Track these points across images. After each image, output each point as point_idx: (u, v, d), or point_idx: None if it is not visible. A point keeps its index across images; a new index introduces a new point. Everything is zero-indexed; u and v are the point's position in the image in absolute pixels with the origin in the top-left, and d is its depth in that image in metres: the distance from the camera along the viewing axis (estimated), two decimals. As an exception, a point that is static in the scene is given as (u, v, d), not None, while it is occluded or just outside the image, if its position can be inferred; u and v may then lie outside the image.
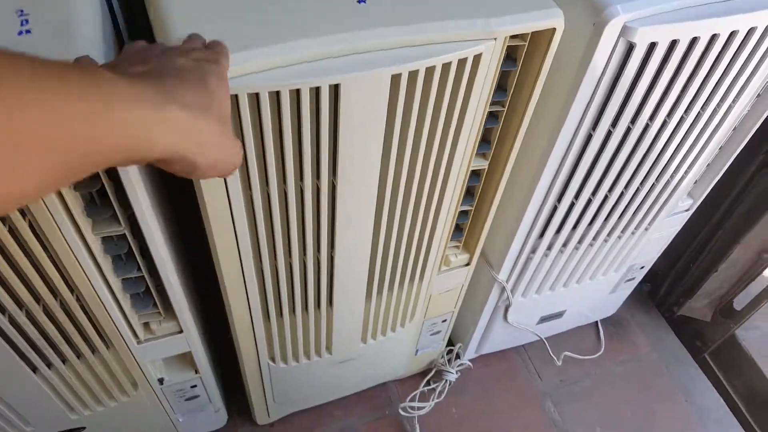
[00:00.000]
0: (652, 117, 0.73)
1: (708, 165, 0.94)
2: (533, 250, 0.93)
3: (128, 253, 0.63)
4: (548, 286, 1.05)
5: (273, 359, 0.90)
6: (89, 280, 0.61)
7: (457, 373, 1.19)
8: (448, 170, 0.68)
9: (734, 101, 0.77)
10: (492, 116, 0.67)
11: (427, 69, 0.53)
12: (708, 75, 0.70)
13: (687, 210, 1.05)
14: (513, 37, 0.57)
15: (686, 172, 0.88)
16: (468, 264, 0.92)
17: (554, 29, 0.58)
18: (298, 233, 0.66)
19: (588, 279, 1.08)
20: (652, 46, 0.63)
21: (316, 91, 0.51)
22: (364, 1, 0.53)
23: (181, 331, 0.77)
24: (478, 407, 1.20)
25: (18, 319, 0.63)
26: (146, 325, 0.75)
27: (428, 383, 1.19)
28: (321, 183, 0.61)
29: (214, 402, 0.98)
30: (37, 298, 0.62)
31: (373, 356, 1.01)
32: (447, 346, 1.18)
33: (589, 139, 0.74)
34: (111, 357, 0.76)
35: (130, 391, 0.84)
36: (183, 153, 0.35)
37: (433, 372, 1.20)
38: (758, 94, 0.80)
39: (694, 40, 0.64)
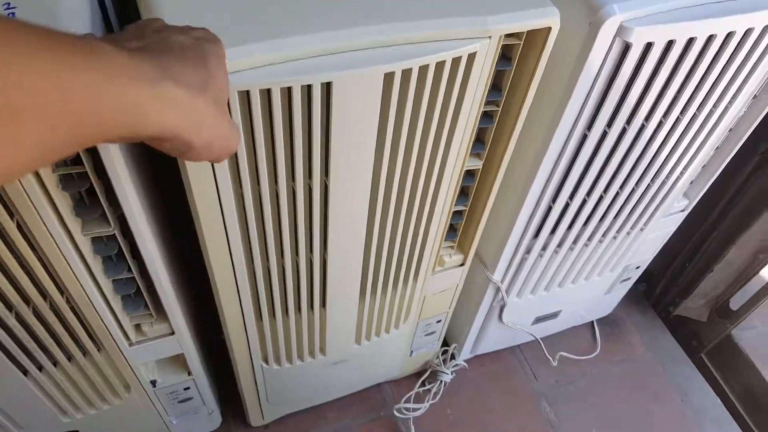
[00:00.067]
0: (647, 117, 0.73)
1: (704, 166, 0.93)
2: (528, 251, 0.93)
3: (118, 253, 0.62)
4: (543, 287, 1.05)
5: (266, 361, 0.89)
6: (79, 282, 0.61)
7: (452, 373, 1.18)
8: (442, 170, 0.67)
9: (730, 102, 0.76)
10: (486, 116, 0.67)
11: (420, 67, 0.53)
12: (704, 76, 0.70)
13: (683, 210, 1.05)
14: (508, 35, 0.57)
15: (682, 173, 0.88)
16: (462, 264, 0.91)
17: (550, 28, 0.57)
18: (290, 233, 0.65)
19: (583, 279, 1.08)
20: (649, 47, 0.63)
21: (308, 89, 0.50)
22: (357, -1, 0.52)
23: (173, 333, 0.76)
24: (473, 408, 1.20)
25: (7, 322, 0.62)
26: (138, 326, 0.75)
27: (423, 384, 1.19)
28: (313, 183, 0.60)
29: (207, 404, 0.98)
30: (27, 299, 0.61)
31: (367, 357, 1.00)
32: (442, 346, 1.18)
33: (584, 139, 0.73)
34: (102, 359, 0.75)
35: (123, 394, 0.83)
36: (178, 131, 0.35)
37: (428, 373, 1.20)
38: (755, 95, 0.79)
39: (690, 41, 0.64)
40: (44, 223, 0.53)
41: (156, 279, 0.66)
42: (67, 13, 0.48)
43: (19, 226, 0.53)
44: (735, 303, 1.25)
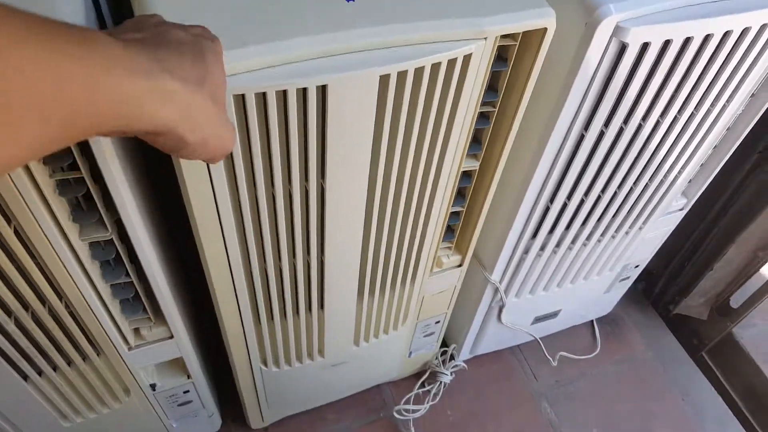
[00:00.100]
0: (645, 117, 0.73)
1: (702, 164, 0.93)
2: (526, 251, 0.93)
3: (116, 258, 0.62)
4: (542, 287, 1.05)
5: (265, 363, 0.89)
6: (77, 287, 0.61)
7: (451, 374, 1.18)
8: (439, 171, 0.67)
9: (728, 101, 0.76)
10: (483, 117, 0.67)
11: (416, 69, 0.53)
12: (701, 75, 0.70)
13: (681, 209, 1.04)
14: (504, 36, 0.57)
15: (680, 172, 0.87)
16: (460, 265, 0.91)
17: (546, 29, 0.57)
18: (287, 236, 0.65)
19: (582, 279, 1.08)
20: (645, 46, 0.62)
21: (303, 92, 0.50)
22: (353, 0, 0.52)
23: (171, 337, 0.76)
24: (473, 409, 1.20)
25: (7, 327, 0.62)
26: (137, 330, 0.74)
27: (423, 385, 1.18)
28: (309, 185, 0.60)
29: (207, 407, 0.98)
30: (26, 305, 0.61)
31: (366, 359, 1.00)
32: (441, 347, 1.18)
33: (581, 139, 0.73)
34: (102, 363, 0.75)
35: (123, 398, 0.83)
36: (172, 125, 0.34)
37: (427, 374, 1.20)
38: (752, 93, 0.79)
39: (687, 41, 0.64)
40: (42, 229, 0.53)
41: (154, 283, 0.66)
42: (61, 12, 0.48)
43: (16, 232, 0.53)
44: (735, 301, 1.25)
